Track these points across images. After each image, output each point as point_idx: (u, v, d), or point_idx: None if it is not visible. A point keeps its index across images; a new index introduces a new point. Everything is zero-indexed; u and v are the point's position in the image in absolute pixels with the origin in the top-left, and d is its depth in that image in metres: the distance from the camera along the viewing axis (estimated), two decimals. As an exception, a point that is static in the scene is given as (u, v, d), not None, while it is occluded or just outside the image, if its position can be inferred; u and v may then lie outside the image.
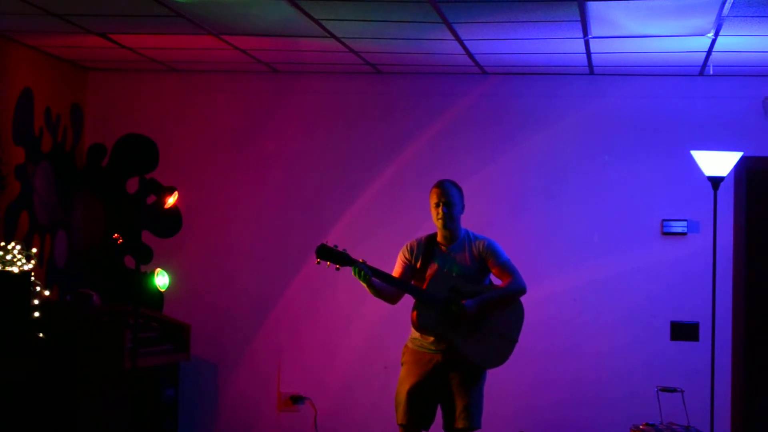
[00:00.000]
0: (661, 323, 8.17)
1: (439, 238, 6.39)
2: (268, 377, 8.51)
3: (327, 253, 6.14)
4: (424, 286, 6.26)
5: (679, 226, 8.14)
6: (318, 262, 6.17)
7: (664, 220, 8.17)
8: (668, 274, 8.17)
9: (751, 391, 8.13)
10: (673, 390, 7.40)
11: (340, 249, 6.15)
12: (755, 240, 8.16)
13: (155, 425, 7.79)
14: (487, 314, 6.27)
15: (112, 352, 7.07)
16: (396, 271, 6.37)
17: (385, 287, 6.27)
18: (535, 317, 8.19)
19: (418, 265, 6.33)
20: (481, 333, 6.26)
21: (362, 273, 6.08)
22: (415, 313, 6.22)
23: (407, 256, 6.39)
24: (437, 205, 6.31)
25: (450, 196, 6.31)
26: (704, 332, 8.04)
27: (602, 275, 8.23)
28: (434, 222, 6.36)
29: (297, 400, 8.46)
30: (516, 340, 6.39)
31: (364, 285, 6.16)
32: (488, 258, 6.37)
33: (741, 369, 8.10)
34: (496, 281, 6.53)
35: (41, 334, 6.82)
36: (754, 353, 8.15)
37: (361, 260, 6.15)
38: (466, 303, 6.20)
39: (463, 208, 6.39)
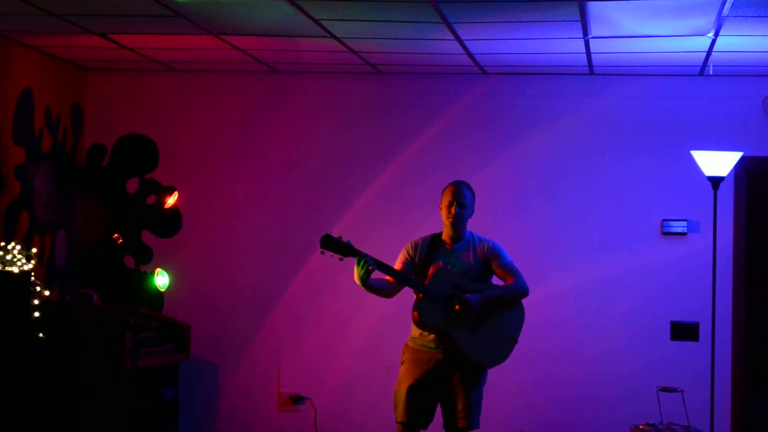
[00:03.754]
0: (661, 323, 8.17)
1: (444, 237, 6.39)
2: (268, 377, 8.51)
3: (331, 244, 6.07)
4: (426, 282, 6.25)
5: (679, 226, 8.14)
6: (322, 253, 6.09)
7: (664, 220, 8.17)
8: (668, 274, 8.17)
9: (751, 391, 8.13)
10: (673, 390, 7.40)
11: (344, 240, 6.12)
12: (755, 240, 8.16)
13: (155, 425, 7.79)
14: (489, 312, 6.26)
15: (112, 353, 7.07)
16: (396, 267, 6.32)
17: (382, 284, 6.24)
18: (535, 317, 8.20)
19: (421, 262, 6.32)
20: (482, 331, 6.25)
21: (364, 263, 6.02)
22: (417, 309, 6.21)
23: (410, 252, 6.37)
24: (450, 205, 6.30)
25: (464, 198, 6.31)
26: (704, 332, 8.04)
27: (602, 275, 8.23)
28: (443, 220, 6.35)
29: (297, 400, 8.46)
30: (516, 341, 6.39)
31: (359, 280, 6.09)
32: (492, 259, 6.37)
33: (741, 369, 8.10)
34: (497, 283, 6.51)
35: (41, 334, 6.81)
36: (754, 353, 8.15)
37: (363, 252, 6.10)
38: (469, 297, 6.19)
39: (472, 211, 6.39)
